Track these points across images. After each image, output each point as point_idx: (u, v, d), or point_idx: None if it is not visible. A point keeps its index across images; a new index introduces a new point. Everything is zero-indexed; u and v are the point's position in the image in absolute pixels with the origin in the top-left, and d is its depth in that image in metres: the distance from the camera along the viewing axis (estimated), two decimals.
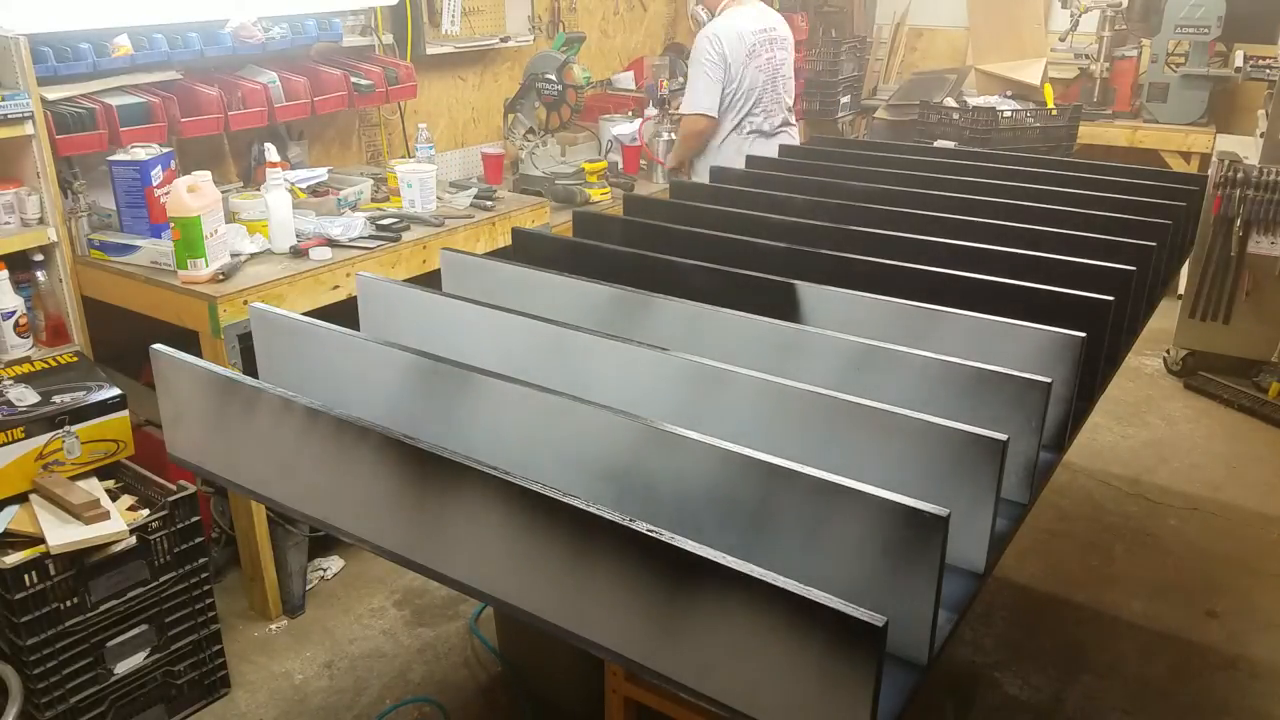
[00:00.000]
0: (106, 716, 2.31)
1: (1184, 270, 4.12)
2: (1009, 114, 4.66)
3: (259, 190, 2.89)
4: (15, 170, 2.60)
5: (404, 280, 2.60)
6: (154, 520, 2.30)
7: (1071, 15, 4.99)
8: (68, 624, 2.19)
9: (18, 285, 2.61)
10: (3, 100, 2.44)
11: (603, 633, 1.30)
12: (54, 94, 2.60)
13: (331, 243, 2.77)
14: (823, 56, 5.14)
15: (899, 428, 1.47)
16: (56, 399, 2.32)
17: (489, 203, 3.26)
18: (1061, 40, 5.17)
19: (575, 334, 1.81)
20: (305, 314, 2.00)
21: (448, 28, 3.85)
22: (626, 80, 4.94)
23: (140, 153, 2.66)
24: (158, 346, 1.81)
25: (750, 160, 3.47)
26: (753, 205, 2.77)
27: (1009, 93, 5.03)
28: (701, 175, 3.74)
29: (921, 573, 1.25)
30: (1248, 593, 3.00)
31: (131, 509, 2.33)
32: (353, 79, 3.31)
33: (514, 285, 2.16)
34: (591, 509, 1.24)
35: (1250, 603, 2.95)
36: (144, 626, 2.34)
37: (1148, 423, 4.05)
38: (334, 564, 3.05)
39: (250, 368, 2.23)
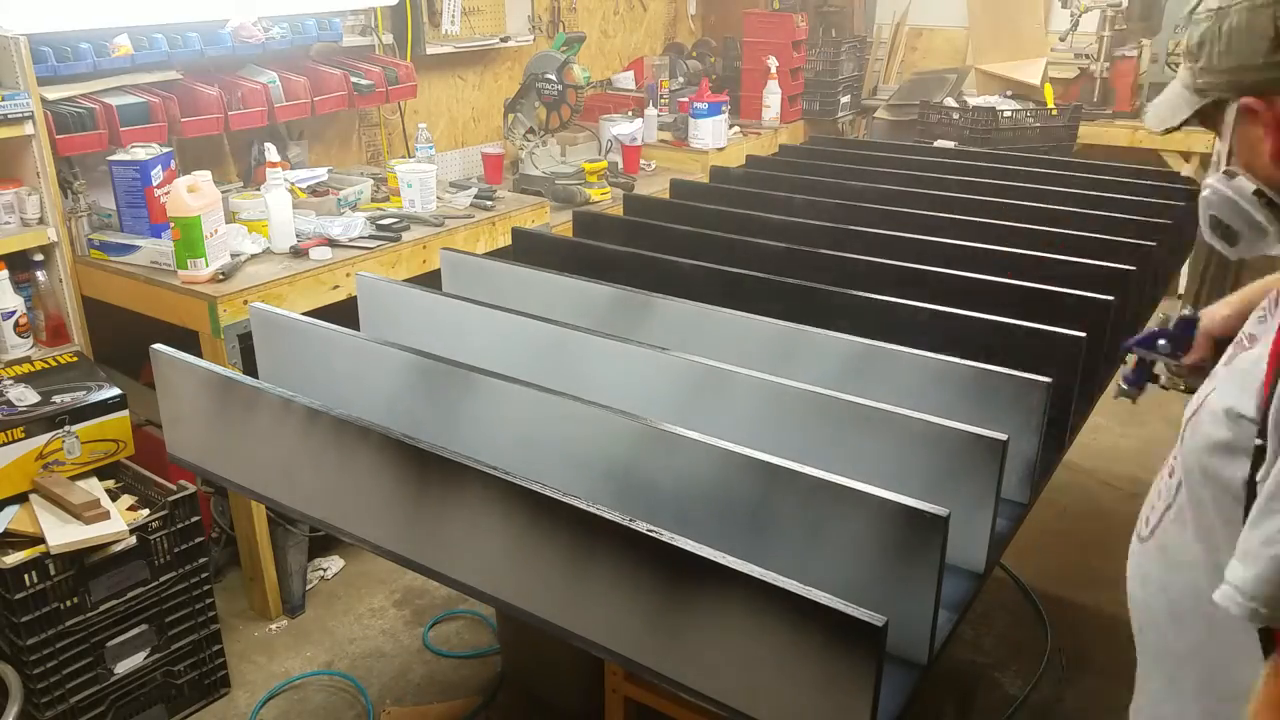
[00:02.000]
0: (106, 716, 2.31)
1: (1184, 270, 4.12)
2: (1009, 114, 4.65)
3: (259, 190, 2.89)
4: (15, 170, 2.60)
5: (404, 280, 2.60)
6: (154, 520, 2.30)
7: (1071, 15, 4.98)
8: (68, 624, 2.19)
9: (18, 285, 2.60)
10: (3, 100, 2.44)
11: (603, 633, 1.30)
12: (54, 94, 2.60)
13: (331, 243, 2.77)
14: (823, 56, 5.14)
15: (899, 428, 1.47)
16: (56, 399, 2.32)
17: (489, 203, 3.26)
18: (1061, 40, 5.16)
19: (575, 334, 1.81)
20: (305, 314, 2.00)
21: (448, 28, 3.85)
22: (626, 80, 4.94)
23: (140, 153, 2.66)
24: (158, 346, 1.81)
25: (750, 160, 3.47)
26: (753, 205, 2.77)
27: (1009, 93, 5.02)
28: None
29: (921, 573, 1.25)
30: None
31: (131, 509, 2.33)
32: (353, 79, 3.31)
33: (514, 285, 2.16)
34: (591, 509, 1.25)
35: None
36: (144, 626, 2.34)
37: (1147, 423, 4.05)
38: (334, 564, 3.05)
39: (250, 368, 2.23)
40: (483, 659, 2.69)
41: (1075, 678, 2.63)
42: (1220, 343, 1.48)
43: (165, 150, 2.72)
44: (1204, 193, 1.13)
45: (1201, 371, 1.48)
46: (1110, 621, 2.85)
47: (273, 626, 2.81)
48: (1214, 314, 1.56)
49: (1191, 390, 1.40)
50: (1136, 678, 1.34)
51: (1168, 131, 1.16)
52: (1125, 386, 1.63)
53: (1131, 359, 1.63)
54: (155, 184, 2.66)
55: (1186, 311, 1.56)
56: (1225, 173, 1.10)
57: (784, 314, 1.88)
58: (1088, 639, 2.77)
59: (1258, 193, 1.07)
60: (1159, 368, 1.63)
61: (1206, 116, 1.12)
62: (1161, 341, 1.57)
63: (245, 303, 2.44)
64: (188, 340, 2.45)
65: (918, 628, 1.29)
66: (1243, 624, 0.96)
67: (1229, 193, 1.09)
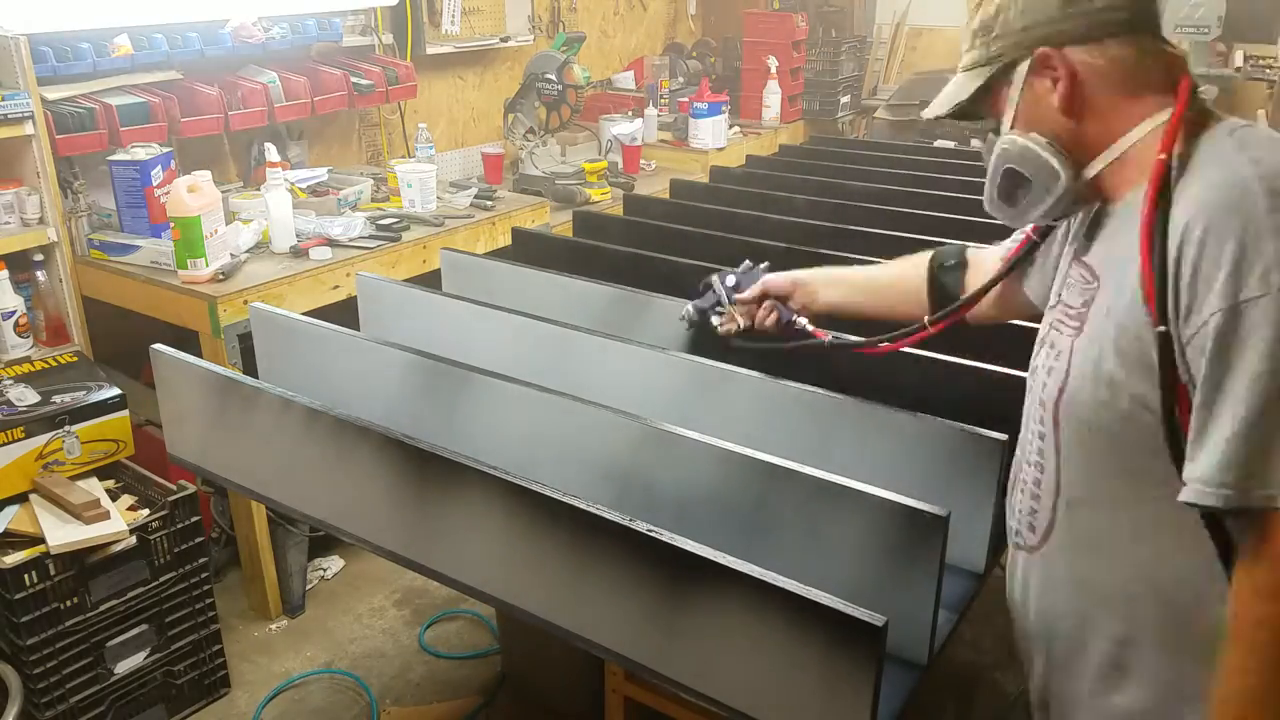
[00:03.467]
0: (106, 716, 2.31)
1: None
2: None
3: (259, 190, 2.89)
4: (15, 170, 2.60)
5: (404, 280, 2.60)
6: (154, 520, 2.30)
7: None
8: (68, 624, 2.19)
9: (18, 285, 2.60)
10: (3, 100, 2.44)
11: (603, 633, 1.30)
12: (54, 94, 2.60)
13: (331, 243, 2.77)
14: (823, 56, 5.14)
15: (899, 428, 1.47)
16: (56, 399, 2.32)
17: (489, 203, 3.26)
18: None
19: (575, 334, 1.81)
20: (305, 314, 2.00)
21: (448, 28, 3.85)
22: (626, 80, 4.94)
23: (140, 153, 2.66)
24: (158, 346, 1.81)
25: (750, 160, 3.47)
26: (752, 205, 2.77)
27: None
28: None
29: (921, 573, 1.25)
30: None
31: (131, 509, 2.33)
32: (353, 79, 3.31)
33: (514, 285, 2.16)
34: (592, 509, 1.25)
35: None
36: (144, 626, 2.34)
37: None
38: (334, 564, 3.05)
39: (250, 368, 2.23)
40: (483, 659, 2.69)
41: None
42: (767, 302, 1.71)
43: (165, 150, 2.72)
44: (998, 149, 1.19)
45: (746, 311, 1.73)
46: None
47: (273, 626, 2.81)
48: (772, 275, 1.75)
49: (732, 340, 1.74)
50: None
51: (952, 113, 1.25)
52: (690, 310, 1.83)
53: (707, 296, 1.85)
54: (155, 184, 2.66)
55: (750, 264, 1.81)
56: (1013, 131, 1.17)
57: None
58: None
59: (1048, 143, 1.14)
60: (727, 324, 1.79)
61: (989, 93, 1.20)
62: (730, 279, 1.78)
63: (245, 303, 2.44)
64: (188, 340, 2.45)
65: (918, 628, 1.29)
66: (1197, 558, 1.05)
67: (1026, 141, 1.15)
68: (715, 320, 1.79)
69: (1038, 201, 1.17)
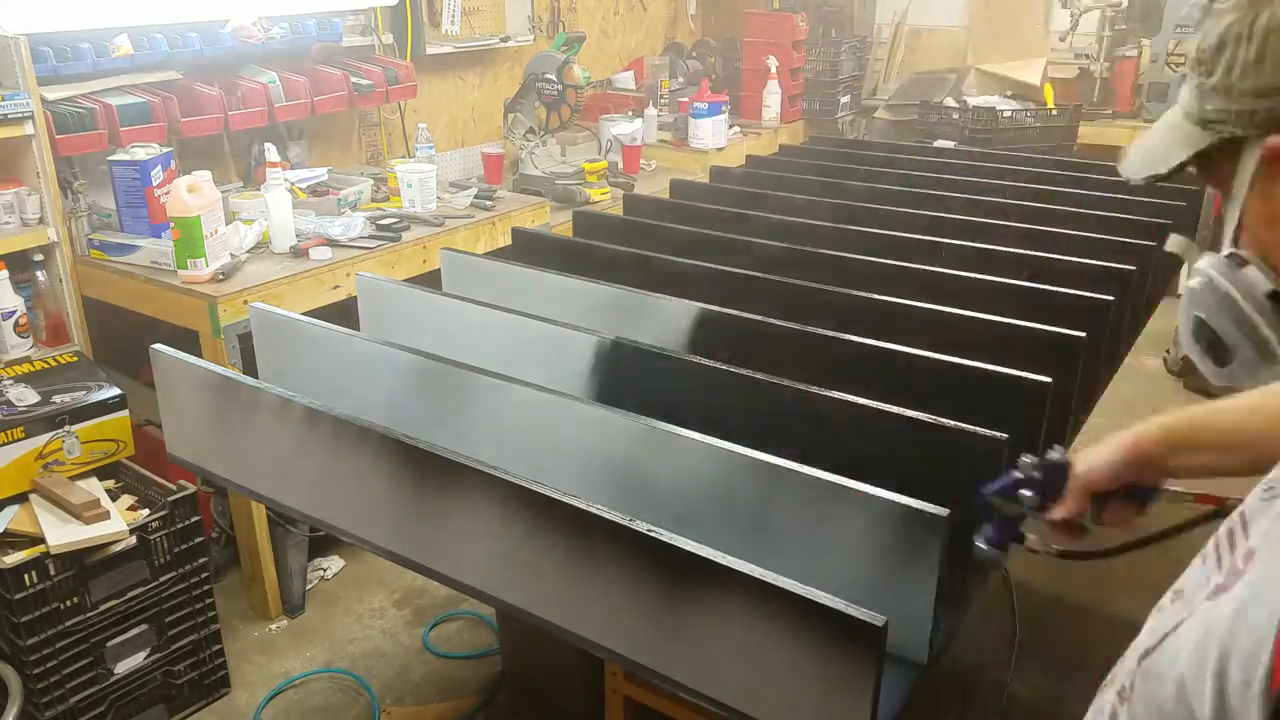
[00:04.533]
0: (106, 716, 2.31)
1: (1184, 271, 4.12)
2: (1009, 114, 4.66)
3: (259, 190, 2.89)
4: (15, 170, 2.60)
5: (404, 280, 2.60)
6: (154, 520, 2.30)
7: (1071, 15, 4.98)
8: (68, 624, 2.19)
9: (18, 285, 2.60)
10: (3, 100, 2.44)
11: (603, 633, 1.30)
12: (54, 94, 2.60)
13: (331, 243, 2.77)
14: (823, 56, 5.14)
15: (899, 427, 1.47)
16: (56, 399, 2.32)
17: (489, 203, 3.26)
18: (1061, 40, 5.16)
19: (575, 334, 1.81)
20: (305, 314, 2.00)
21: (448, 28, 3.85)
22: (626, 80, 4.94)
23: (140, 153, 2.66)
24: (158, 346, 1.81)
25: (750, 160, 3.47)
26: (753, 205, 2.77)
27: (1009, 93, 5.02)
28: None
29: (921, 573, 1.25)
30: None
31: (131, 509, 2.33)
32: (353, 79, 3.31)
33: (514, 285, 2.16)
34: (591, 509, 1.24)
35: None
36: (144, 626, 2.34)
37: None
38: (334, 564, 3.05)
39: (250, 368, 2.23)
40: (483, 659, 2.69)
41: (1073, 675, 2.62)
42: (1099, 495, 1.16)
43: (165, 150, 2.72)
44: (1191, 282, 0.76)
45: (1073, 530, 1.17)
46: (1111, 622, 2.85)
47: (273, 626, 2.81)
48: (1093, 460, 1.15)
49: (1065, 555, 1.18)
50: None
51: (1154, 180, 0.79)
52: (984, 548, 1.22)
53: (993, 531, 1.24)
54: (155, 184, 2.66)
55: (1056, 455, 1.19)
56: (1230, 257, 0.72)
57: (784, 315, 1.88)
58: (1089, 639, 2.77)
59: (1275, 294, 0.69)
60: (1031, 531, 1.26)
61: (1211, 163, 0.75)
62: (1027, 492, 1.18)
63: (245, 303, 2.44)
64: (188, 340, 2.45)
65: (918, 628, 1.29)
66: None
67: (1231, 289, 0.71)
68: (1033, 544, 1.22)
69: (1248, 374, 0.75)
